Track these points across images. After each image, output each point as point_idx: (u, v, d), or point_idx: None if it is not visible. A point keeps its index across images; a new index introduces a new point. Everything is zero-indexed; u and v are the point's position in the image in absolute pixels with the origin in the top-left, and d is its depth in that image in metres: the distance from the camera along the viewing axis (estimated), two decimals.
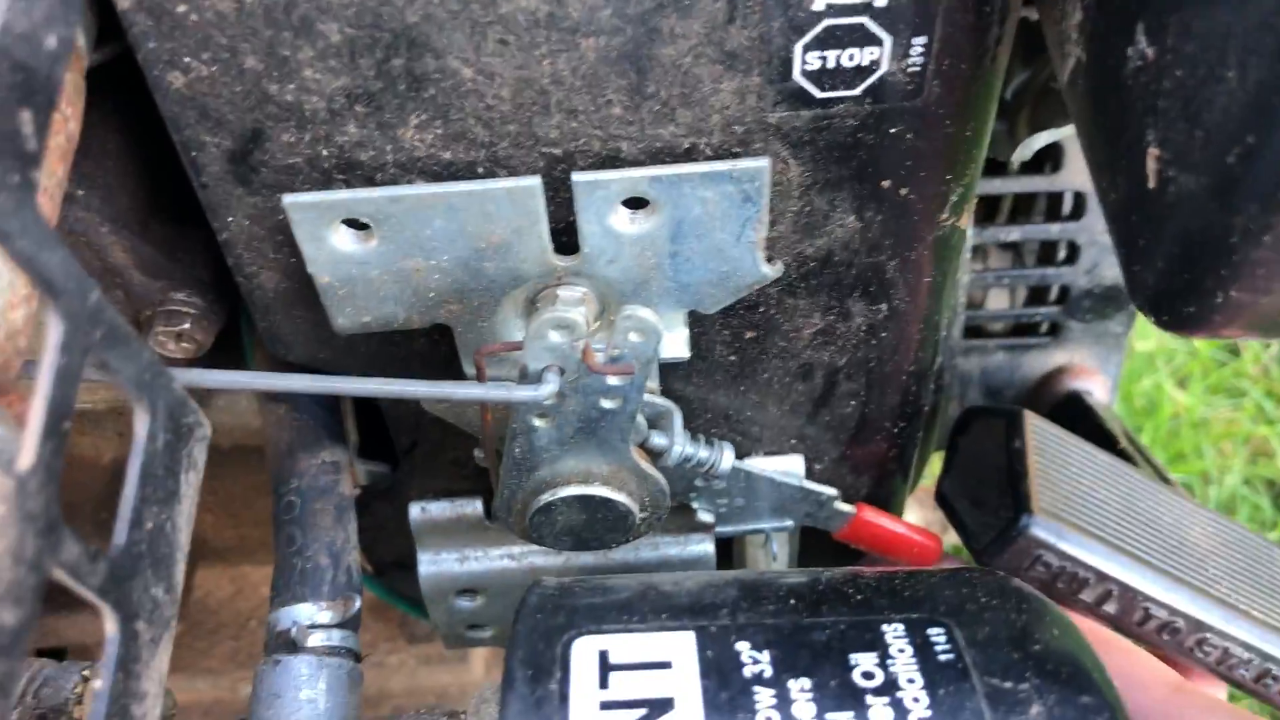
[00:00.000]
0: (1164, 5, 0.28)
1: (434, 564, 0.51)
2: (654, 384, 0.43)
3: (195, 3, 0.32)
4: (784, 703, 0.29)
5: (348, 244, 0.36)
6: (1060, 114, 0.48)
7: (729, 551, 0.55)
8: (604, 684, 0.30)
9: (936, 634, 0.31)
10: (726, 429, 0.46)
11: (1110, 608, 0.52)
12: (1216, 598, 0.53)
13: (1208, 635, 0.53)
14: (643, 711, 0.29)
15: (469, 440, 0.47)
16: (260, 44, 0.33)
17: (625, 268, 0.38)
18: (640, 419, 0.42)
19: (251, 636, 0.83)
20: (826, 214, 0.38)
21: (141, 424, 0.28)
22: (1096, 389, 0.63)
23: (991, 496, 0.52)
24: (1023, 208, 0.59)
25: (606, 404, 0.40)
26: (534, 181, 0.35)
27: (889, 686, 0.29)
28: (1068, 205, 0.58)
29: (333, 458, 0.45)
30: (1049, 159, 0.57)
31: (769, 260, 0.38)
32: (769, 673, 0.30)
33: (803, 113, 0.35)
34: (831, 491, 0.48)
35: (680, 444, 0.43)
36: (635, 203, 0.36)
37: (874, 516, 0.50)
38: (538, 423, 0.41)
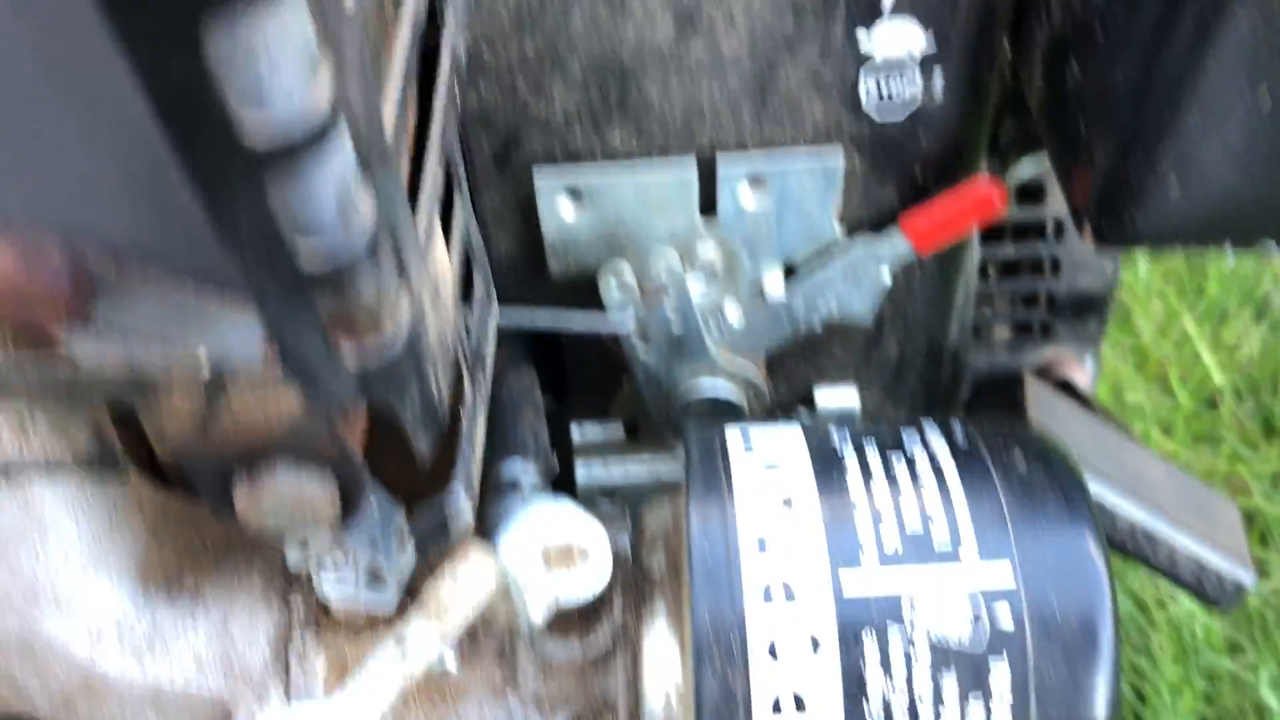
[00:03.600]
0: (1086, 42, 0.48)
1: (586, 470, 0.69)
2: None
3: (494, 50, 0.52)
4: (860, 453, 0.48)
5: (568, 208, 0.56)
6: (1037, 149, 0.68)
7: None
8: (748, 446, 0.48)
9: (957, 426, 0.49)
10: (802, 362, 0.65)
11: None
12: (1166, 515, 0.71)
13: (1158, 541, 0.70)
14: (771, 459, 0.48)
15: (617, 373, 0.66)
16: (530, 77, 0.53)
17: (746, 228, 0.57)
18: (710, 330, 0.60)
19: None
20: (879, 193, 0.58)
21: None
22: (1080, 378, 0.81)
23: None
24: (1018, 234, 0.79)
25: (674, 322, 0.59)
26: (690, 160, 0.55)
27: (926, 446, 0.48)
28: (1050, 229, 0.77)
29: (530, 374, 0.64)
30: (1035, 195, 0.76)
31: (841, 225, 0.58)
32: (849, 441, 0.48)
33: (865, 126, 0.55)
34: (867, 238, 0.57)
35: (732, 309, 0.60)
36: (755, 182, 0.56)
37: (918, 220, 0.56)
38: (640, 348, 0.60)
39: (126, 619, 0.51)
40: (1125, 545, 0.70)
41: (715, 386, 0.61)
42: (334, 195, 0.30)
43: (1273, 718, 1.13)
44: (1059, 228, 0.77)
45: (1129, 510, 0.69)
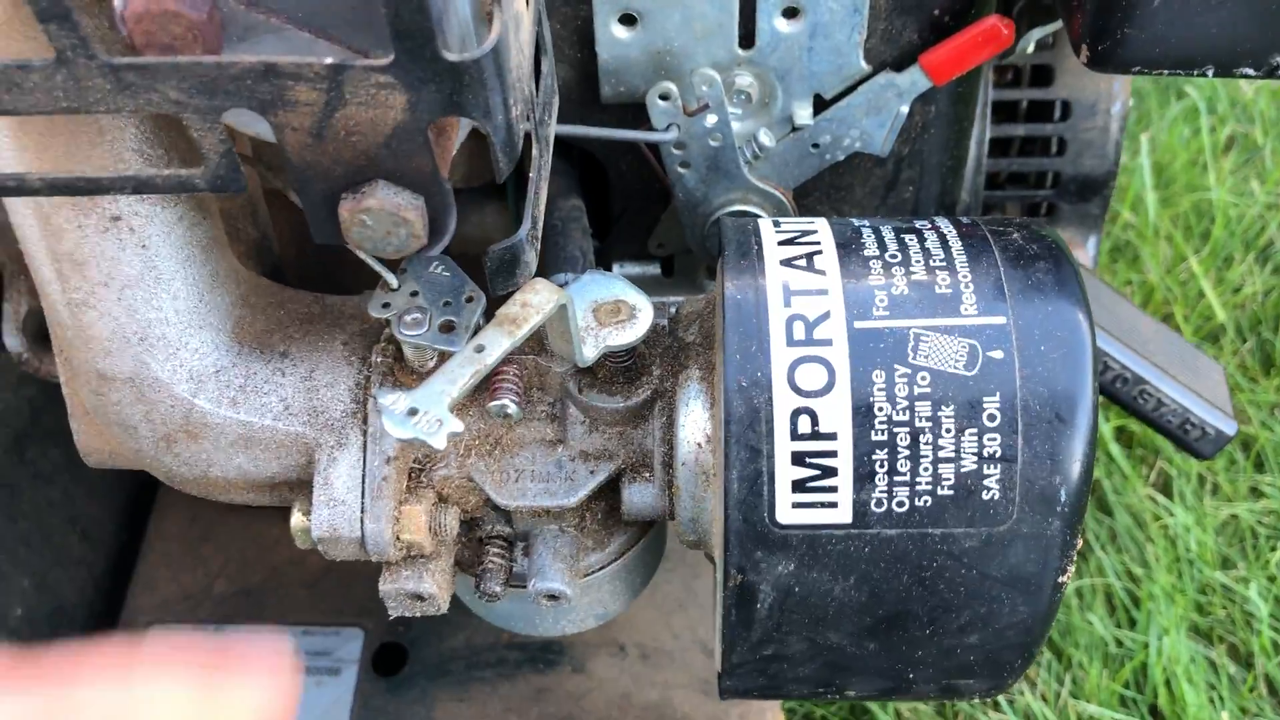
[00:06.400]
0: None
1: None
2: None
3: None
4: (876, 232, 0.54)
5: (622, 32, 0.63)
6: (1043, 19, 0.74)
7: None
8: (777, 226, 0.55)
9: (964, 216, 0.56)
10: (825, 200, 0.72)
11: None
12: (1154, 364, 0.77)
13: (1146, 388, 0.76)
14: (797, 234, 0.54)
15: (657, 212, 0.73)
16: None
17: (780, 58, 0.64)
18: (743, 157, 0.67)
19: None
20: (901, 31, 0.64)
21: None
22: (1082, 257, 0.88)
23: None
24: (1029, 115, 0.85)
25: (713, 142, 0.65)
26: None
27: (935, 227, 0.54)
28: (1058, 111, 0.83)
29: (579, 203, 0.70)
30: (1044, 78, 0.83)
31: (866, 61, 0.64)
32: (867, 224, 0.55)
33: None
34: (883, 77, 0.65)
35: (765, 135, 0.67)
36: (790, 12, 0.62)
37: (934, 54, 0.63)
38: (681, 170, 0.67)
39: (224, 368, 0.58)
40: (1114, 391, 0.76)
41: (747, 204, 0.67)
42: None
43: (1260, 623, 1.19)
44: (1066, 109, 0.83)
45: (1119, 356, 0.75)
